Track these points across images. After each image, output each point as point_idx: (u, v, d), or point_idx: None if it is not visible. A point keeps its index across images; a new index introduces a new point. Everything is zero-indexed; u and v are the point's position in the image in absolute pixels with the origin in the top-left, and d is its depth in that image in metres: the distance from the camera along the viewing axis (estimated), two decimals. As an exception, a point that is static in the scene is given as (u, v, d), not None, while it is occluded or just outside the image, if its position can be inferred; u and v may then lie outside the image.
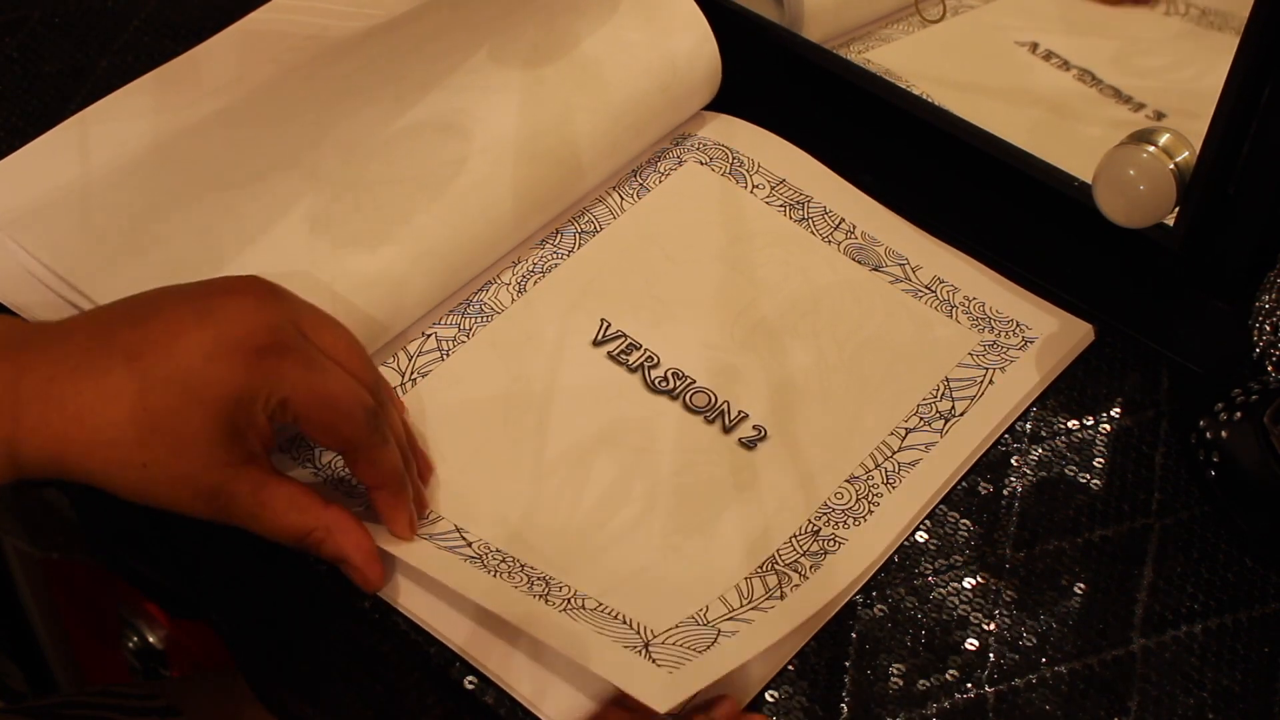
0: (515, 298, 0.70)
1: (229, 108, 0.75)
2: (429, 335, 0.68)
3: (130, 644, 0.98)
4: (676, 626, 0.58)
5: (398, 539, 0.59)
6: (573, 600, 0.59)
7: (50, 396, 0.52)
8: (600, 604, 0.59)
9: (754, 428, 0.66)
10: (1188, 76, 0.81)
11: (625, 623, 0.58)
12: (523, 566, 0.60)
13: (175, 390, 0.52)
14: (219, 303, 0.54)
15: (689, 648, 0.57)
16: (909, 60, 0.81)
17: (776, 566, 0.61)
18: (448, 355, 0.68)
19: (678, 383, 0.67)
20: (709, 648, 0.57)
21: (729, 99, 0.78)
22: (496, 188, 0.69)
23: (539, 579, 0.60)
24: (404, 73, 0.73)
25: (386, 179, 0.68)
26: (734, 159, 0.76)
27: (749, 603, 0.59)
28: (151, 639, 0.97)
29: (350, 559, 0.58)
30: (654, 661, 0.56)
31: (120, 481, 0.54)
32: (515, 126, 0.70)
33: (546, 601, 0.58)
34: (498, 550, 0.61)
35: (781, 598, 0.60)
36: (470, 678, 0.58)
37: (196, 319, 0.53)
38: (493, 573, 0.60)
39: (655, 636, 0.57)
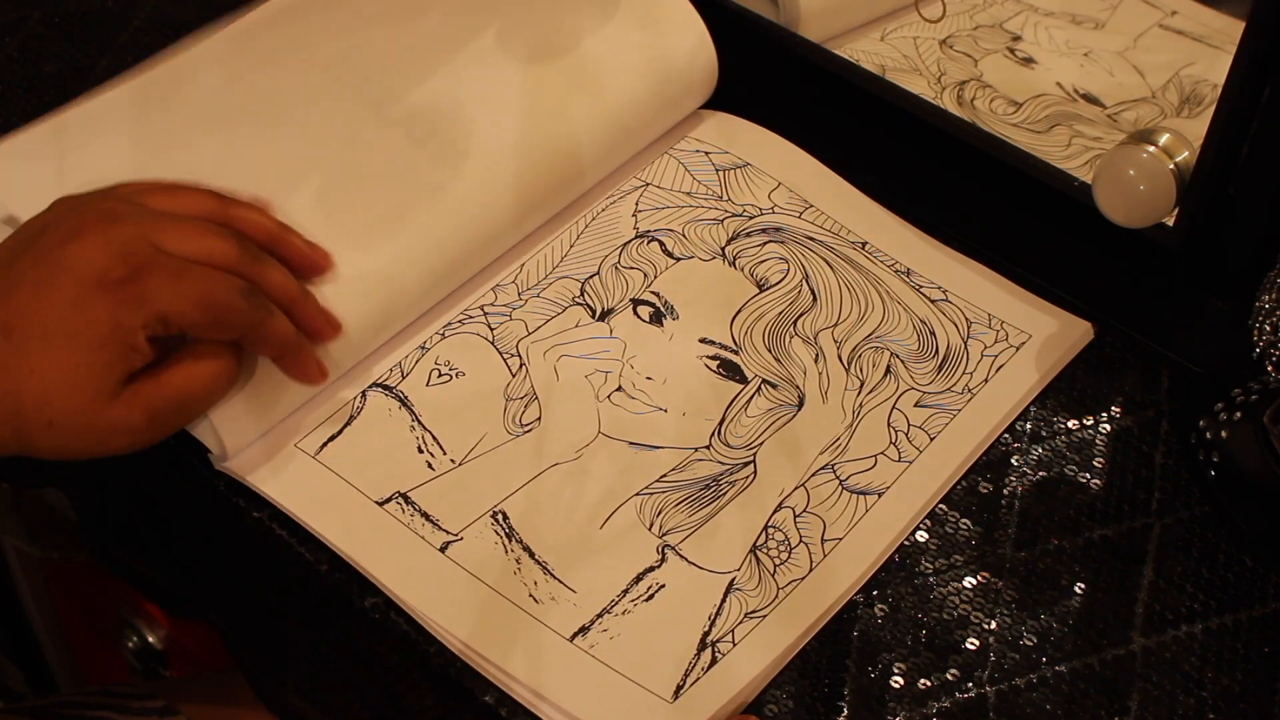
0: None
1: (219, 106, 0.74)
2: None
3: (130, 644, 0.98)
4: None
5: (313, 383, 0.63)
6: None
7: None
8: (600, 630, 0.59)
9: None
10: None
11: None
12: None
13: (53, 347, 0.54)
14: (70, 250, 0.55)
15: (693, 676, 0.58)
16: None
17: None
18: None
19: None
20: (710, 667, 0.58)
21: (729, 99, 0.78)
22: (496, 188, 0.69)
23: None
24: (402, 75, 0.73)
25: (384, 179, 0.68)
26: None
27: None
28: (151, 639, 0.97)
29: (280, 363, 0.61)
30: (654, 693, 0.57)
31: (39, 444, 0.56)
32: (514, 127, 0.70)
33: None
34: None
35: (780, 599, 0.60)
36: (454, 661, 0.58)
37: (56, 272, 0.55)
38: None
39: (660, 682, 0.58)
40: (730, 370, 0.68)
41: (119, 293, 0.55)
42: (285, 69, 0.74)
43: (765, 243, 0.73)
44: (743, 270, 0.71)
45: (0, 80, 0.80)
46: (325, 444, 0.64)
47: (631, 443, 0.65)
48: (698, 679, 0.58)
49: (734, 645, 0.59)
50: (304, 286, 0.62)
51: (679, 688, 0.57)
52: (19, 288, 0.55)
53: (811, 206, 0.74)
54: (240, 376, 0.61)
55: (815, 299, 0.70)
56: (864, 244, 0.73)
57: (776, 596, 0.60)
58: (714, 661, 0.58)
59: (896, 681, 0.59)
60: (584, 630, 0.59)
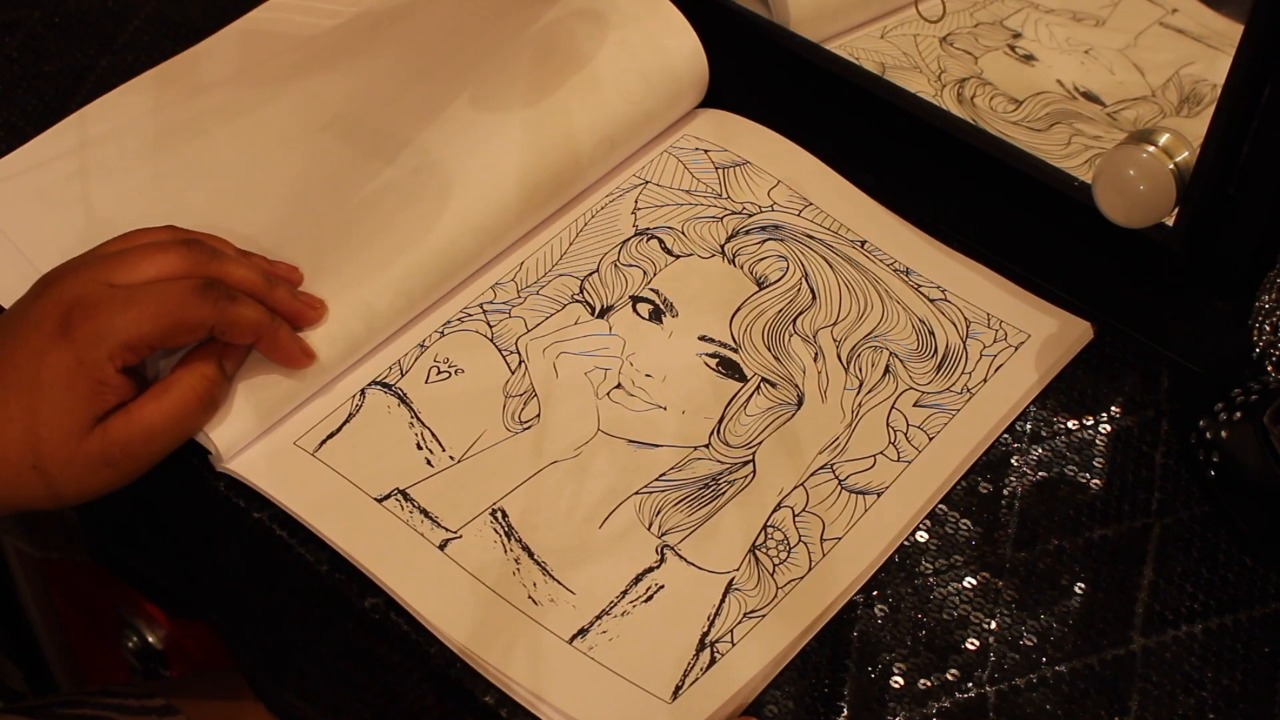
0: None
1: (229, 108, 0.75)
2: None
3: (130, 644, 0.98)
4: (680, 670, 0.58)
5: (297, 366, 0.63)
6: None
7: None
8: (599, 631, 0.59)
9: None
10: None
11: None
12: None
13: (25, 393, 0.58)
14: (34, 307, 0.60)
15: (691, 676, 0.57)
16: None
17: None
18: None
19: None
20: (710, 668, 0.58)
21: (729, 99, 0.78)
22: (496, 188, 0.69)
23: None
24: (401, 81, 0.73)
25: (385, 179, 0.68)
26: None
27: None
28: (151, 639, 0.97)
29: (262, 349, 0.63)
30: (653, 694, 0.57)
31: (28, 493, 0.59)
32: (514, 130, 0.70)
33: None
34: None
35: (779, 599, 0.60)
36: (454, 661, 0.58)
37: (21, 330, 0.59)
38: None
39: (660, 682, 0.58)
40: (729, 368, 0.68)
41: (75, 333, 0.58)
42: (295, 72, 0.75)
43: (764, 240, 0.73)
44: (742, 268, 0.71)
45: (0, 80, 0.80)
46: (324, 441, 0.64)
47: (631, 440, 0.65)
48: (697, 679, 0.58)
49: (733, 645, 0.59)
50: (271, 277, 0.64)
51: (678, 688, 0.57)
52: (2, 342, 0.59)
53: (811, 205, 0.74)
54: (221, 392, 0.62)
55: (815, 297, 0.70)
56: (863, 243, 0.73)
57: (776, 596, 0.60)
58: (713, 662, 0.58)
59: (896, 681, 0.59)
60: (583, 632, 0.59)
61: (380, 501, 0.62)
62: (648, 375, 0.67)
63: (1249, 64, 0.58)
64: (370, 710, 0.66)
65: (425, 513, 0.62)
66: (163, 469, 0.66)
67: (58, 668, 1.12)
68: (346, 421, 0.65)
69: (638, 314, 0.70)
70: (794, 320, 0.70)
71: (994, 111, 0.78)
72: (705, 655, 0.58)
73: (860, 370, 0.68)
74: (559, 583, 0.60)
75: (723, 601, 0.60)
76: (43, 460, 0.58)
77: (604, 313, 0.70)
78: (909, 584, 0.62)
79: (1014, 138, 0.75)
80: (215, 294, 0.60)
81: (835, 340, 0.69)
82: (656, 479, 0.64)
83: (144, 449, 0.60)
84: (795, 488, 0.64)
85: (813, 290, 0.71)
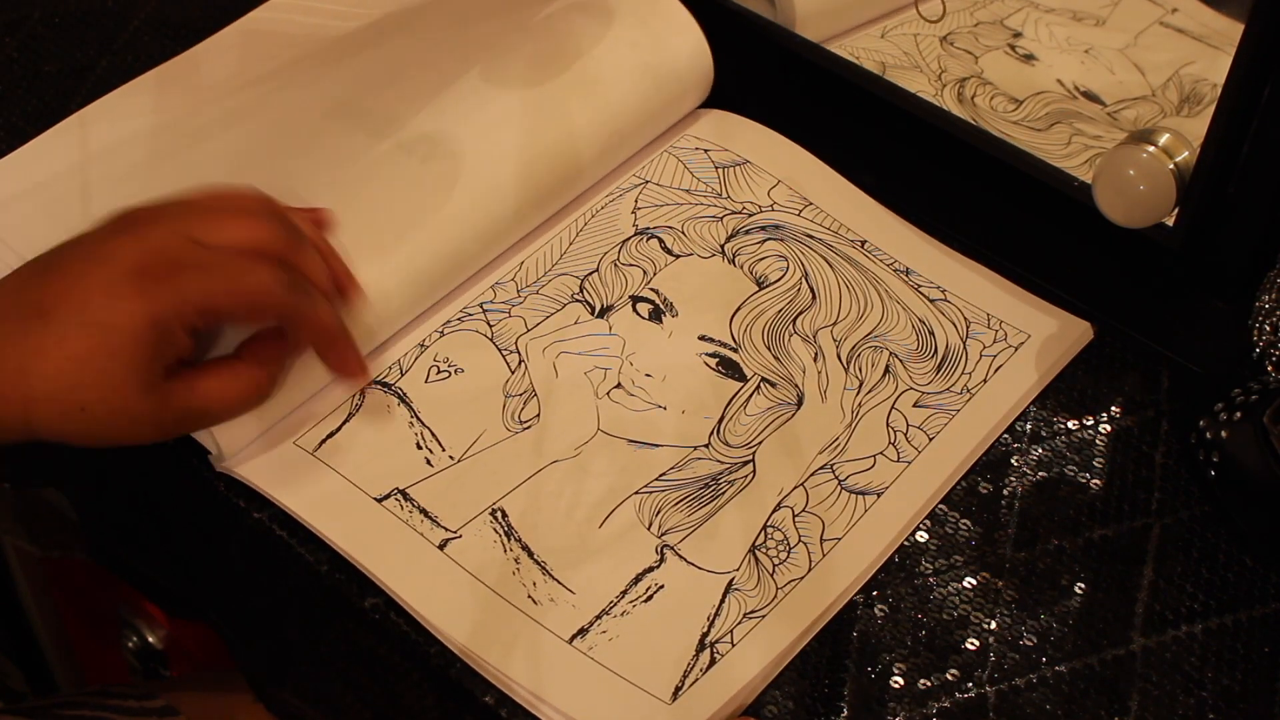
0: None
1: (229, 108, 0.75)
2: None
3: (130, 644, 0.98)
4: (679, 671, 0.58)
5: (355, 381, 0.64)
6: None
7: None
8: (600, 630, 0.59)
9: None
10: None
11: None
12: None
13: (89, 334, 0.55)
14: (110, 245, 0.57)
15: (691, 676, 0.57)
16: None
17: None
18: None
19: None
20: (710, 668, 0.58)
21: (729, 99, 0.78)
22: (496, 188, 0.69)
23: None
24: (403, 83, 0.73)
25: (386, 179, 0.68)
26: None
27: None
28: (151, 639, 0.97)
29: (322, 353, 0.62)
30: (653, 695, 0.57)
31: (69, 429, 0.57)
32: (514, 129, 0.70)
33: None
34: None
35: (778, 599, 0.60)
36: (454, 661, 0.58)
37: (93, 264, 0.56)
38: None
39: (661, 680, 0.58)
40: (729, 368, 0.68)
41: (153, 286, 0.56)
42: (295, 73, 0.75)
43: (764, 240, 0.73)
44: (742, 267, 0.71)
45: (0, 80, 0.80)
46: (324, 441, 0.64)
47: (631, 440, 0.65)
48: (696, 680, 0.58)
49: (733, 646, 0.59)
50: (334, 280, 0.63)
51: (678, 689, 0.57)
52: (57, 272, 0.57)
53: (811, 204, 0.74)
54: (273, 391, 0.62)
55: (815, 297, 0.70)
56: (863, 242, 0.73)
57: (775, 596, 0.60)
58: (713, 662, 0.58)
59: (896, 681, 0.59)
60: (583, 632, 0.59)
61: (380, 501, 0.62)
62: (647, 375, 0.67)
63: (1249, 64, 0.58)
64: (370, 710, 0.66)
65: (425, 512, 0.62)
66: (163, 469, 0.66)
67: (58, 668, 1.12)
68: (346, 421, 0.65)
69: (638, 314, 0.70)
70: (794, 320, 0.70)
71: (994, 111, 0.78)
72: (705, 655, 0.58)
73: (860, 370, 0.68)
74: (559, 582, 0.60)
75: (723, 602, 0.60)
76: (93, 405, 0.56)
77: (604, 312, 0.70)
78: (909, 584, 0.62)
79: (1014, 137, 0.75)
80: (300, 286, 0.59)
81: (835, 340, 0.69)
82: (656, 479, 0.64)
83: (194, 424, 0.60)
84: (795, 488, 0.64)
85: (813, 290, 0.71)
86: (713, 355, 0.68)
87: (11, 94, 0.79)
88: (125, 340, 0.55)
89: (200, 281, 0.57)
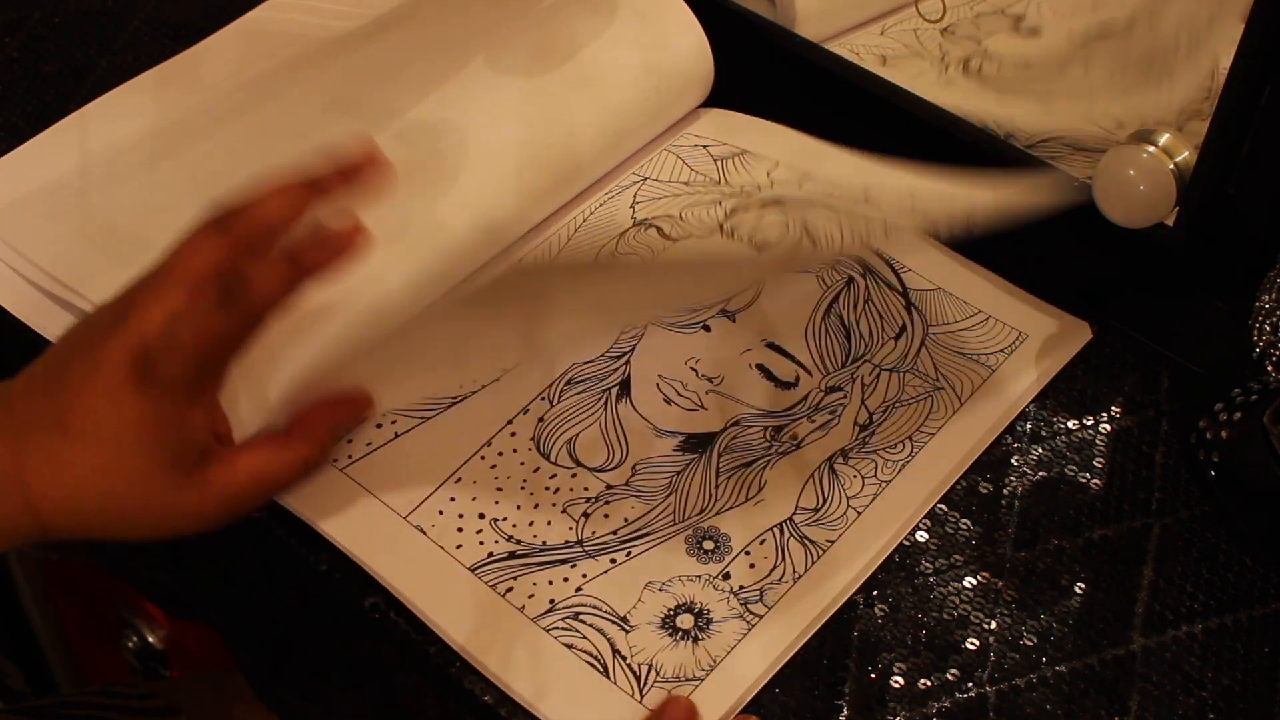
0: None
1: (228, 108, 0.75)
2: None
3: (130, 644, 0.98)
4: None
5: (357, 245, 0.58)
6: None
7: (29, 472, 0.55)
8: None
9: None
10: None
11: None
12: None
13: (104, 446, 0.55)
14: (103, 346, 0.55)
15: (688, 680, 0.57)
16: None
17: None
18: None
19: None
20: (709, 668, 0.58)
21: (729, 99, 0.78)
22: (495, 187, 0.69)
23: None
24: (402, 76, 0.73)
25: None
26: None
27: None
28: (151, 639, 0.97)
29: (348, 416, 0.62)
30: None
31: (120, 533, 0.57)
32: (514, 128, 0.70)
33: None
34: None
35: (776, 602, 0.60)
36: (454, 661, 0.58)
37: (93, 371, 0.55)
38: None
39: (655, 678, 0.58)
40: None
41: (147, 386, 0.55)
42: (295, 73, 0.75)
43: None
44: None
45: (0, 80, 0.80)
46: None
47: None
48: (696, 679, 0.58)
49: (733, 646, 0.58)
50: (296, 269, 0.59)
51: (678, 689, 0.57)
52: (62, 383, 0.56)
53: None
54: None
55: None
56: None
57: (775, 596, 0.60)
58: (713, 662, 0.58)
59: (896, 681, 0.59)
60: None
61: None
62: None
63: (1249, 64, 0.58)
64: (370, 710, 0.66)
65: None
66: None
67: (58, 668, 1.12)
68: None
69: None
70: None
71: (1003, 78, 0.77)
72: (704, 656, 0.58)
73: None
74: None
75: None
76: (132, 510, 0.56)
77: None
78: (909, 584, 0.62)
79: (1024, 108, 0.74)
80: (231, 299, 0.56)
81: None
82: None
83: (241, 504, 0.58)
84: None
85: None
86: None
87: (11, 94, 0.79)
88: (141, 443, 0.55)
89: (175, 360, 0.55)
